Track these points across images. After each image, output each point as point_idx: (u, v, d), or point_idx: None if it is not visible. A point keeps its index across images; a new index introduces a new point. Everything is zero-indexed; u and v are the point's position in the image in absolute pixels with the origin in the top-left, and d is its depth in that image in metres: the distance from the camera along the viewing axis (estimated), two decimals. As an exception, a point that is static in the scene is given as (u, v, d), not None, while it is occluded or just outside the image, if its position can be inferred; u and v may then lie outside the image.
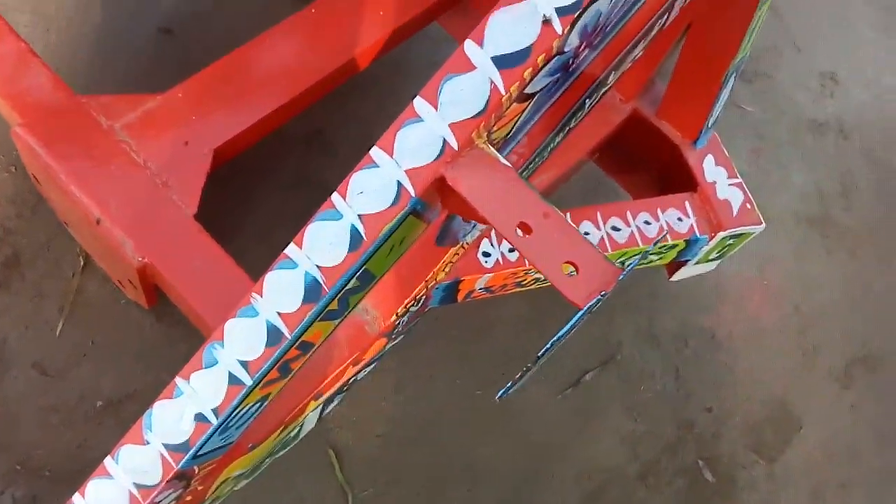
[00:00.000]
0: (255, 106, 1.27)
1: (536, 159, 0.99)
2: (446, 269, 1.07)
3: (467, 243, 1.05)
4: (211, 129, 1.22)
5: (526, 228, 0.68)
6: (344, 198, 0.69)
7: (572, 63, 0.76)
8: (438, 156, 0.68)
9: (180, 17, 1.60)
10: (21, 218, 1.36)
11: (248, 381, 0.70)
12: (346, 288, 0.71)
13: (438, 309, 1.18)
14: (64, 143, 1.16)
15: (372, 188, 0.69)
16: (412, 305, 1.06)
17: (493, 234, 1.14)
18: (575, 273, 0.67)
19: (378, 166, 0.69)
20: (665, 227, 1.22)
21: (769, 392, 1.50)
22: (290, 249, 0.70)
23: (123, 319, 1.33)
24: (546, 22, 0.66)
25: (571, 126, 1.00)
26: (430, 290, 1.08)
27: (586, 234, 1.18)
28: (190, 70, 1.24)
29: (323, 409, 1.12)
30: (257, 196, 1.48)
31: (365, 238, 0.69)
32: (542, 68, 0.68)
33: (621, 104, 1.30)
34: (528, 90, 0.70)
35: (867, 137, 1.80)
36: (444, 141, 0.68)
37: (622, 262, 1.22)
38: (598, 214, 1.20)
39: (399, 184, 0.68)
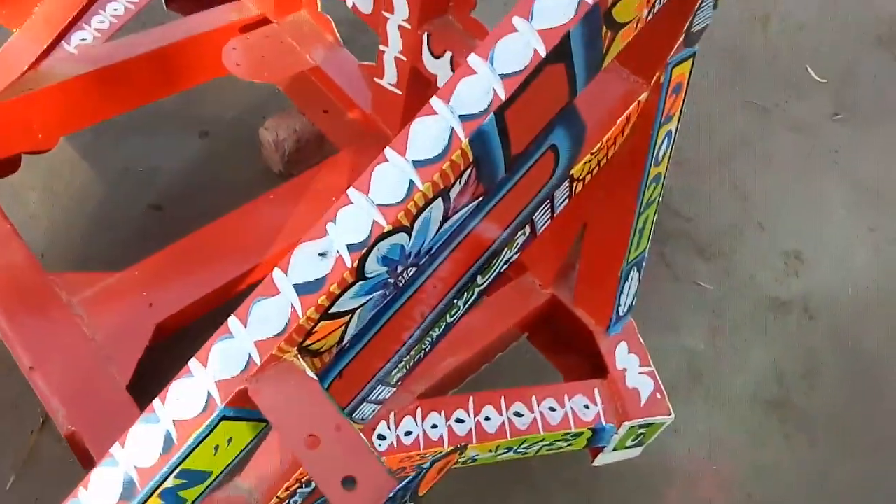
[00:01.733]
0: (203, 282, 1.40)
1: (415, 353, 1.05)
2: (337, 452, 1.12)
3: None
4: (156, 306, 1.35)
5: (314, 441, 0.73)
6: (163, 403, 0.77)
7: (399, 280, 0.84)
8: (244, 369, 0.75)
9: (171, 195, 1.79)
10: (-6, 377, 1.49)
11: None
12: (165, 487, 0.78)
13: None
14: (24, 316, 1.31)
15: (186, 396, 0.76)
16: (300, 487, 1.10)
17: (391, 416, 1.19)
18: (354, 487, 0.71)
19: (193, 376, 0.77)
20: (570, 413, 1.24)
21: (715, 588, 1.43)
22: (114, 448, 0.78)
23: (70, 477, 1.40)
24: (338, 256, 0.75)
25: (449, 321, 1.06)
26: (321, 471, 1.12)
27: (487, 418, 1.21)
28: (169, 243, 1.39)
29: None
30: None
31: (176, 442, 0.76)
32: (341, 294, 0.76)
33: (540, 289, 1.36)
34: (335, 310, 0.78)
35: (835, 318, 1.78)
36: (250, 356, 0.76)
37: (518, 450, 1.24)
38: (502, 399, 1.23)
39: (209, 394, 0.76)
